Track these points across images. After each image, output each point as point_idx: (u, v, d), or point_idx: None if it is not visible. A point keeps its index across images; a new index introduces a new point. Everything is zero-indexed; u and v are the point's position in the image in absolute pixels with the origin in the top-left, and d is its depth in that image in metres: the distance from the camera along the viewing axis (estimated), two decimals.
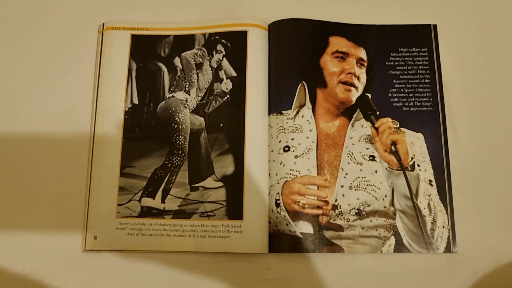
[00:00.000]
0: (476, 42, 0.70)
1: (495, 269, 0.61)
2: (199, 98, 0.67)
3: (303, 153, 0.63)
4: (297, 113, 0.65)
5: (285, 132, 0.64)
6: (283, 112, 0.65)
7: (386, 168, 0.63)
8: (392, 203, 0.62)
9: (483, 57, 0.69)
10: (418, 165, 0.63)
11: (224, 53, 0.68)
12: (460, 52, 0.69)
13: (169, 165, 0.64)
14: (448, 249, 0.61)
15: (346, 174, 0.63)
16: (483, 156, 0.65)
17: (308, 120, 0.65)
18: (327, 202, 0.62)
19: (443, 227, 0.61)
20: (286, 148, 0.64)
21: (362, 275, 0.61)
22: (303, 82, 0.66)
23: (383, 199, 0.62)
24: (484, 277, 0.61)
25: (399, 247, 0.61)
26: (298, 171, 0.63)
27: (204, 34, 0.69)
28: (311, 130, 0.64)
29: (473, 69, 0.68)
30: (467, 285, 0.61)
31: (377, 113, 0.65)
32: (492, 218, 0.63)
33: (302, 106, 0.66)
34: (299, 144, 0.64)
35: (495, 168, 0.65)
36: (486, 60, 0.69)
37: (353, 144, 0.64)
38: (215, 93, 0.67)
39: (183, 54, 0.68)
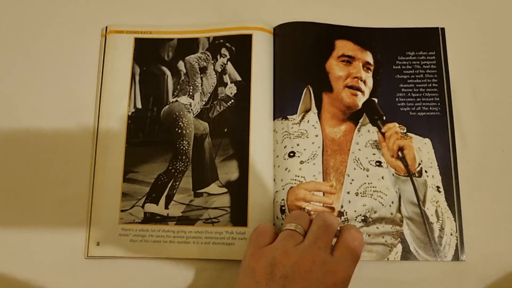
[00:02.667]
0: (485, 46, 0.68)
1: (504, 277, 0.60)
2: (203, 103, 0.66)
3: (308, 159, 0.63)
4: (303, 118, 0.64)
5: (290, 138, 0.64)
6: (288, 117, 0.64)
7: (393, 174, 0.62)
8: (399, 210, 0.61)
9: (491, 61, 0.68)
10: (426, 171, 0.62)
11: (228, 57, 0.67)
12: (468, 56, 0.68)
13: (173, 170, 0.64)
14: (456, 257, 0.60)
15: (352, 180, 0.62)
16: (491, 162, 0.64)
17: (313, 125, 0.64)
18: (333, 209, 0.61)
19: (451, 234, 0.60)
20: (292, 154, 0.63)
21: (368, 283, 0.60)
22: (309, 86, 0.65)
23: (390, 206, 0.61)
24: (493, 285, 0.60)
25: (406, 254, 0.60)
26: (304, 177, 0.62)
27: (208, 38, 0.68)
28: (316, 136, 0.64)
29: (481, 73, 0.67)
30: None
31: (384, 118, 0.64)
32: (501, 225, 0.62)
33: (307, 111, 0.65)
34: (305, 149, 0.63)
35: (504, 174, 0.63)
36: (495, 64, 0.68)
37: (359, 149, 0.63)
38: (219, 97, 0.66)
39: (187, 58, 0.68)
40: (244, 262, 0.51)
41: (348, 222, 0.61)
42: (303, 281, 0.46)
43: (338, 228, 0.54)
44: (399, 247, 0.60)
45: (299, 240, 0.50)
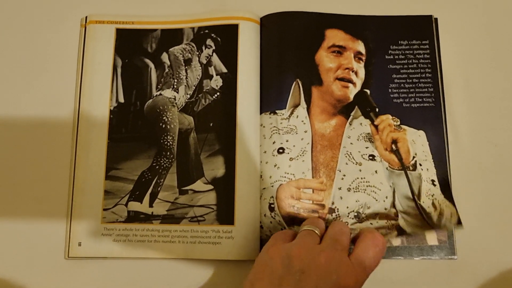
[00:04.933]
0: (477, 37, 0.66)
1: (496, 276, 0.58)
2: (188, 96, 0.64)
3: (297, 156, 0.60)
4: (292, 113, 0.62)
5: (279, 133, 0.61)
6: (277, 111, 0.62)
7: (387, 168, 0.60)
8: (393, 205, 0.59)
9: (485, 54, 0.65)
10: (420, 164, 0.60)
11: (214, 48, 0.64)
12: (461, 47, 0.66)
13: (157, 167, 0.61)
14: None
15: (344, 175, 0.60)
16: (484, 157, 0.62)
17: (302, 121, 0.62)
18: (323, 206, 0.59)
19: (451, 216, 0.58)
20: (281, 150, 0.61)
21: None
22: (298, 80, 0.63)
23: (384, 201, 0.59)
24: (485, 283, 0.58)
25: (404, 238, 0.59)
26: (293, 174, 0.60)
27: (193, 28, 0.65)
28: (305, 131, 0.61)
29: (474, 66, 0.65)
30: None
31: (377, 110, 0.62)
32: (493, 222, 0.60)
33: (296, 105, 0.62)
34: (294, 146, 0.61)
35: (496, 170, 0.62)
36: (489, 57, 0.65)
37: (351, 143, 0.61)
38: (204, 90, 0.63)
39: (171, 49, 0.65)
40: (263, 250, 0.51)
41: (339, 219, 0.59)
42: (317, 278, 0.46)
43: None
44: (395, 241, 0.59)
45: (317, 240, 0.51)
